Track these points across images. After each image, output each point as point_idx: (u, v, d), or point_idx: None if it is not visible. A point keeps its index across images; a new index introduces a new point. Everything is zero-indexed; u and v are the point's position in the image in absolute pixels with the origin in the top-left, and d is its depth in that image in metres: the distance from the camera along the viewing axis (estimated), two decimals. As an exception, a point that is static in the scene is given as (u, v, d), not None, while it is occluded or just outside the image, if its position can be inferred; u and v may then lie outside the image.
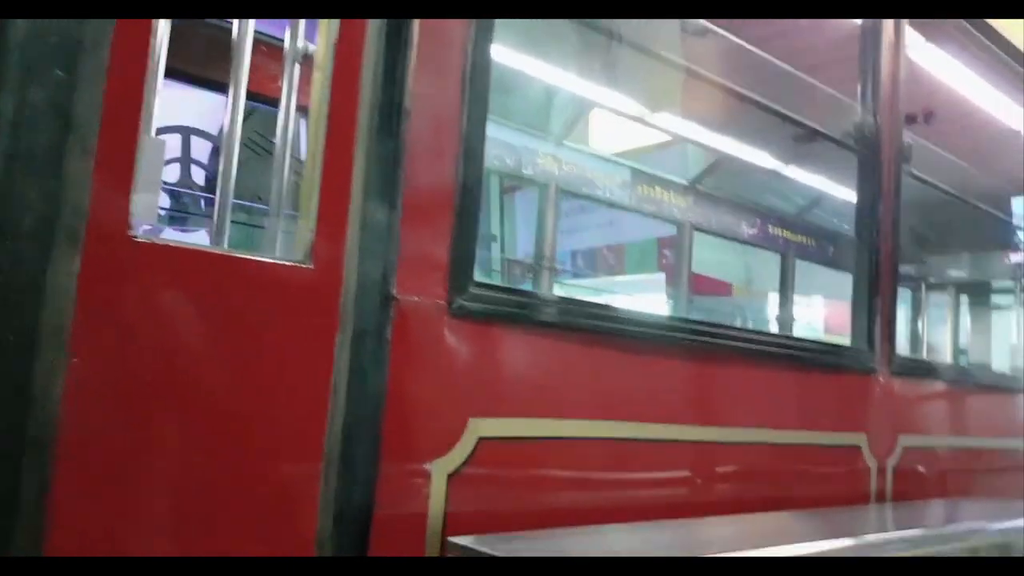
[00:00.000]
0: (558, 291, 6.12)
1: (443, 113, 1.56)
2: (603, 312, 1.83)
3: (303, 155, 1.48)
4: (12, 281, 1.09)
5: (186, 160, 4.89)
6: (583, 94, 4.48)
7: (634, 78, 3.85)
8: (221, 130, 1.53)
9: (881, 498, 2.37)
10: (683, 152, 6.05)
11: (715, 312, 7.41)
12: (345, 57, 1.44)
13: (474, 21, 1.58)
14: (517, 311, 1.63)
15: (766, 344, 2.24)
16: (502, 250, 7.38)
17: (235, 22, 1.45)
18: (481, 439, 1.52)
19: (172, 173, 4.76)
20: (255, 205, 3.20)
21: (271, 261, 1.37)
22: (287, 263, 1.37)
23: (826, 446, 2.27)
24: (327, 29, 1.44)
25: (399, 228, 1.46)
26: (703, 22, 3.50)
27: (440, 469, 1.47)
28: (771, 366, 2.18)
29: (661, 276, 7.12)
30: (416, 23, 1.50)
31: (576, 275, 7.88)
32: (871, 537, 1.44)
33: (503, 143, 5.22)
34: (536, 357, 1.66)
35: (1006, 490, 3.04)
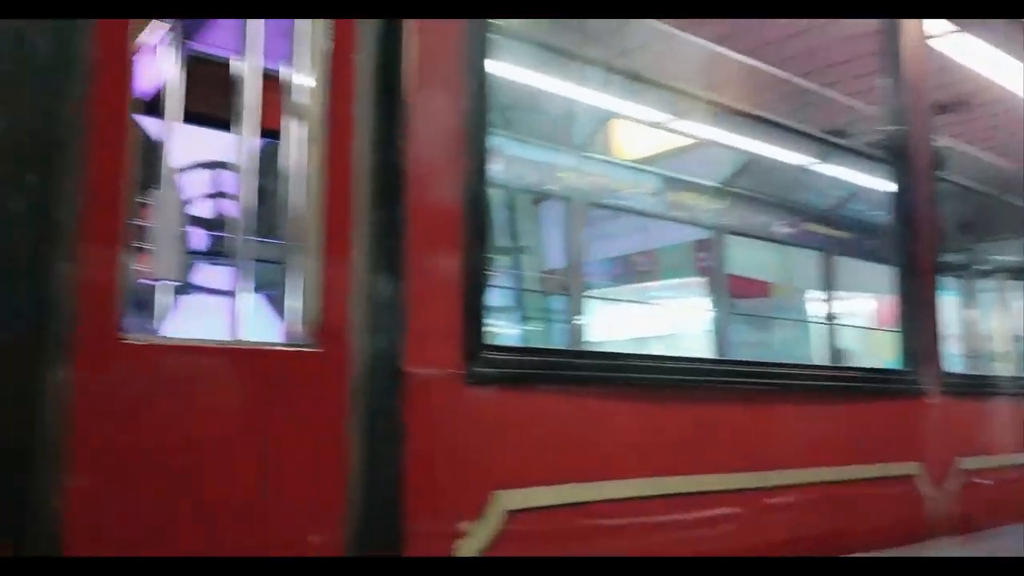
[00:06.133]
0: (591, 304, 6.00)
1: (445, 167, 1.50)
2: (626, 363, 1.73)
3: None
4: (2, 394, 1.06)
5: (218, 195, 4.89)
6: (603, 105, 4.40)
7: (654, 89, 3.76)
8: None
9: (942, 528, 2.23)
10: (712, 154, 5.91)
11: (756, 313, 7.23)
12: (337, 115, 1.39)
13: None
14: (534, 372, 1.55)
15: (811, 378, 2.11)
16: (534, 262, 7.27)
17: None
18: (507, 512, 1.44)
19: (208, 209, 4.76)
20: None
21: (274, 348, 1.31)
22: (291, 348, 1.31)
23: (880, 478, 2.14)
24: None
25: (405, 297, 1.39)
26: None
27: (465, 549, 1.39)
28: (817, 399, 2.06)
29: (698, 280, 6.96)
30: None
31: (611, 283, 7.74)
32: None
33: (526, 160, 5.14)
34: (561, 416, 1.57)
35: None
